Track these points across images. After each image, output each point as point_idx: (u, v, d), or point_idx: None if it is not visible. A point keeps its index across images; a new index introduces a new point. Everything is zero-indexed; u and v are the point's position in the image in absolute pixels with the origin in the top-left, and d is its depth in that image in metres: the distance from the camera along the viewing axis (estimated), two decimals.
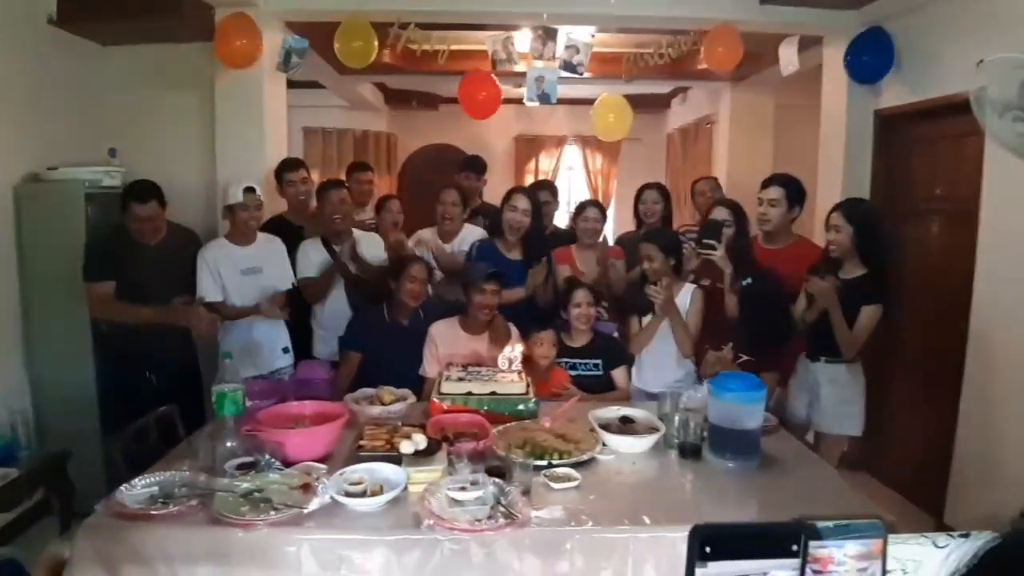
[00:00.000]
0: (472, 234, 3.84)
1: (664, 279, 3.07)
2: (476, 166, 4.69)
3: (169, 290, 3.18)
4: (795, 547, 1.19)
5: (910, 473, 3.81)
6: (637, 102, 4.65)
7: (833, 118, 4.38)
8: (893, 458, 3.86)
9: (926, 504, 3.58)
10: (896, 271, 3.28)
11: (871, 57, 3.96)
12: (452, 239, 3.84)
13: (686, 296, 3.17)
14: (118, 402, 3.29)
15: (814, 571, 1.21)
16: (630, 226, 4.35)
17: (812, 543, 1.20)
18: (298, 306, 3.58)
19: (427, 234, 3.87)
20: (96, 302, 3.19)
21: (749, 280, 3.06)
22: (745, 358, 2.91)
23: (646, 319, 3.20)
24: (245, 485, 1.96)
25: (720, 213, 3.34)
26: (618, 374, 3.21)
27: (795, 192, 3.31)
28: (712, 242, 3.10)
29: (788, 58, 4.20)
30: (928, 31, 3.71)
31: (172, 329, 3.25)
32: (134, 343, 3.23)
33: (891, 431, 3.75)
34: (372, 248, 3.69)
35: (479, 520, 1.81)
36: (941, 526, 3.46)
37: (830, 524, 1.23)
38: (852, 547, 1.22)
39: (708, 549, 1.15)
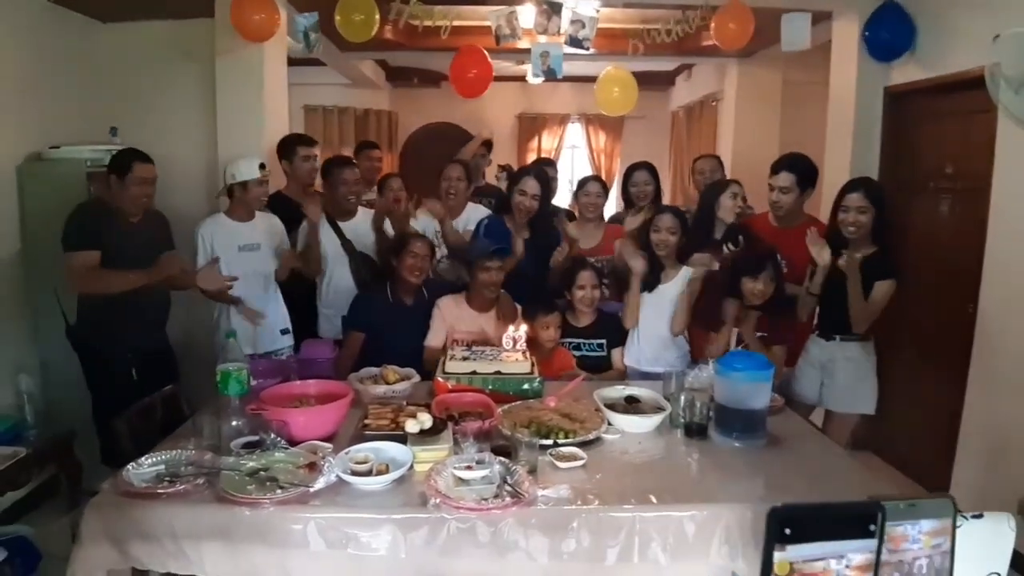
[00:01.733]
0: (476, 213, 3.79)
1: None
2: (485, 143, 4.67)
3: (149, 265, 3.10)
4: (872, 527, 1.18)
5: (915, 453, 3.81)
6: (641, 79, 4.57)
7: (842, 95, 4.32)
8: (898, 438, 3.86)
9: (931, 484, 3.58)
10: (903, 252, 3.24)
11: (891, 34, 3.87)
12: (456, 216, 3.78)
13: (683, 279, 3.16)
14: (100, 389, 3.24)
15: (889, 550, 1.20)
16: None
17: (887, 523, 1.19)
18: (302, 286, 3.56)
19: (435, 204, 3.76)
20: (80, 272, 3.00)
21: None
22: (759, 334, 2.91)
23: (648, 292, 3.20)
24: (251, 464, 1.96)
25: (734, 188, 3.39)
26: (616, 353, 3.23)
27: (806, 175, 3.25)
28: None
29: (792, 33, 4.12)
30: (941, 6, 3.64)
31: (148, 315, 3.22)
32: (111, 333, 3.13)
33: (897, 411, 3.73)
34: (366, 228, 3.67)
35: (485, 499, 1.80)
36: None
37: (901, 504, 1.22)
38: (927, 524, 1.22)
39: (788, 531, 1.13)
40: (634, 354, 3.24)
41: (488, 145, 4.73)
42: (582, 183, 3.81)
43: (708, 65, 6.96)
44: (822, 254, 2.94)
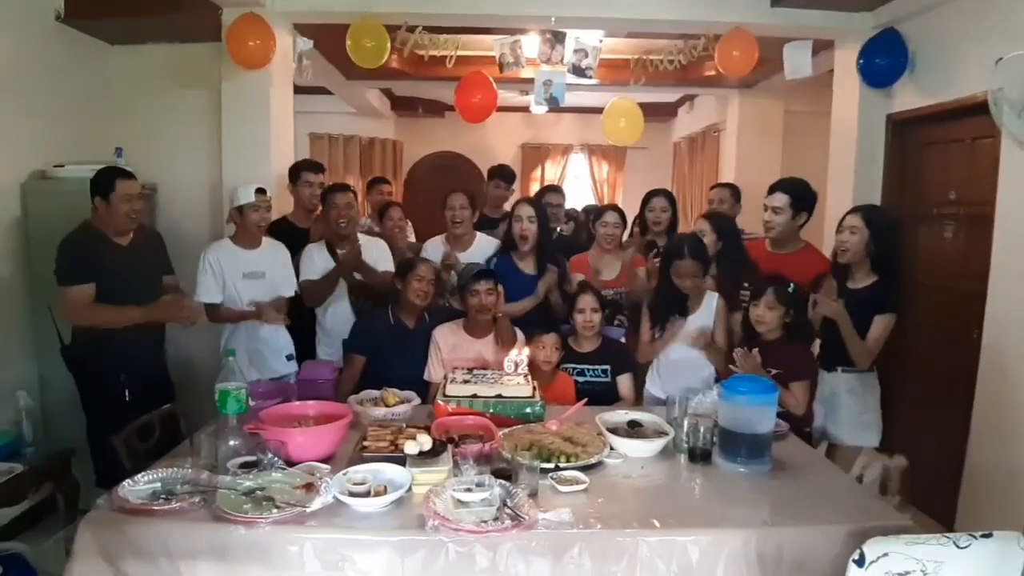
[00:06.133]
0: (485, 243, 3.75)
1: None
2: (506, 174, 4.71)
3: (146, 290, 3.12)
4: None
5: (920, 482, 3.74)
6: (644, 110, 4.61)
7: (844, 123, 4.34)
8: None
9: (936, 514, 3.52)
10: (908, 280, 3.23)
11: (885, 60, 3.89)
12: (466, 247, 3.73)
13: (711, 303, 3.10)
14: (95, 410, 3.21)
15: None
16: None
17: None
18: (302, 311, 3.55)
19: (438, 249, 3.75)
20: (76, 307, 2.99)
21: (792, 286, 2.86)
22: (775, 372, 2.74)
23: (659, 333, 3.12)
24: (247, 483, 1.93)
25: (700, 224, 3.34)
26: (623, 380, 3.17)
27: (801, 198, 3.24)
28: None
29: (794, 62, 4.16)
30: (942, 33, 3.66)
31: (144, 337, 3.19)
32: (107, 355, 3.10)
33: (902, 441, 3.67)
34: (377, 254, 3.64)
35: (485, 521, 1.77)
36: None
37: None
38: None
39: None
40: (659, 385, 3.17)
41: (504, 175, 4.72)
42: (599, 213, 3.77)
43: (710, 96, 7.02)
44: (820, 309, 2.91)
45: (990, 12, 3.32)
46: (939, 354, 3.69)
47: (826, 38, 4.30)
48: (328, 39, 4.22)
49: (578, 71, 4.31)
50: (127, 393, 3.12)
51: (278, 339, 3.42)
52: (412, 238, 4.68)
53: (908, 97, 3.94)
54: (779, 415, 2.42)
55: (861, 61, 3.99)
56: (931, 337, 3.70)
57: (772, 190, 3.30)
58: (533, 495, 1.92)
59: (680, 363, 3.11)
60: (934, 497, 3.56)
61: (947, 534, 1.39)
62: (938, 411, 3.65)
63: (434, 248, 3.75)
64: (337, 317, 3.57)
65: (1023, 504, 2.91)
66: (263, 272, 3.37)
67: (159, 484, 1.99)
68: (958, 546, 1.37)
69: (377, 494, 1.89)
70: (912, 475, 3.75)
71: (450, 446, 2.14)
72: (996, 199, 3.24)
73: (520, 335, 3.17)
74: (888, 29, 3.90)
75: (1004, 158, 3.18)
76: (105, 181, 3.05)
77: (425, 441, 2.09)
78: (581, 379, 3.15)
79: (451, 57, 4.33)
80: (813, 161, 4.71)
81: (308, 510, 1.82)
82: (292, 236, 3.64)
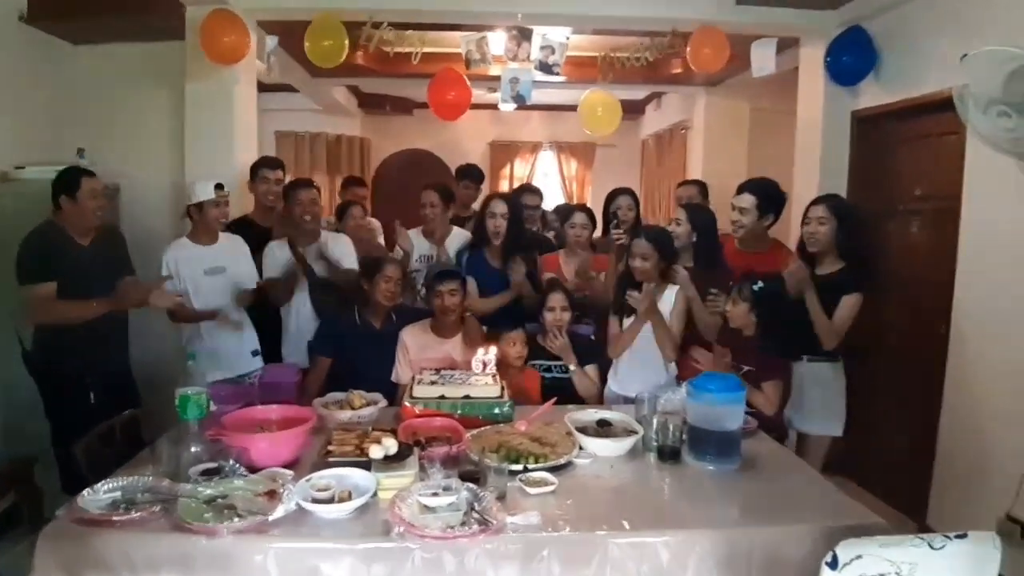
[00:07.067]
0: (460, 237, 3.78)
1: (649, 283, 3.00)
2: (473, 174, 4.68)
3: (108, 289, 3.06)
4: None
5: (890, 476, 3.79)
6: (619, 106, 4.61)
7: (810, 121, 4.37)
8: (872, 461, 3.84)
9: (907, 508, 3.56)
10: (877, 269, 3.26)
11: (852, 58, 3.91)
12: (441, 242, 3.77)
13: (671, 297, 3.09)
14: (59, 416, 3.14)
15: None
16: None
17: None
18: (268, 310, 3.49)
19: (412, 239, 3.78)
20: (38, 305, 2.96)
21: (760, 284, 2.86)
22: (746, 369, 2.73)
23: (628, 321, 3.11)
24: (209, 491, 1.88)
25: (677, 214, 3.34)
26: (589, 369, 3.13)
27: (768, 199, 3.25)
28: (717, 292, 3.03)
29: (761, 60, 4.18)
30: (907, 30, 3.69)
31: (107, 338, 3.16)
32: (70, 358, 3.07)
33: (870, 434, 3.73)
34: (340, 249, 3.59)
35: (452, 527, 1.73)
36: (924, 529, 3.43)
37: None
38: None
39: None
40: (619, 380, 3.16)
41: (472, 175, 4.70)
42: (568, 213, 3.74)
43: (677, 94, 7.05)
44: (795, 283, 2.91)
45: (954, 9, 3.35)
46: (907, 347, 3.73)
47: (791, 35, 4.33)
48: (292, 36, 4.15)
49: (545, 68, 4.29)
50: (92, 396, 3.08)
51: (242, 336, 3.39)
52: (381, 239, 4.64)
53: (873, 94, 3.97)
54: (749, 412, 2.42)
55: (828, 59, 4.01)
56: (899, 330, 3.74)
57: (740, 190, 3.31)
58: (501, 498, 1.89)
59: (640, 360, 3.10)
60: (905, 491, 3.61)
61: (921, 535, 1.39)
62: (906, 405, 3.69)
63: (417, 240, 3.78)
64: (301, 318, 3.51)
65: (995, 496, 2.94)
66: (224, 267, 3.34)
67: (119, 493, 1.93)
68: (933, 547, 1.37)
69: (341, 500, 1.85)
70: (884, 469, 3.81)
71: (416, 449, 2.10)
72: (962, 194, 3.28)
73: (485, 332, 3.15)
74: (854, 27, 3.92)
75: (969, 154, 3.21)
76: (71, 179, 3.05)
77: (391, 445, 2.05)
78: (548, 375, 3.12)
79: (416, 53, 4.27)
80: (779, 158, 4.75)
81: (270, 518, 1.77)
82: (253, 234, 3.59)
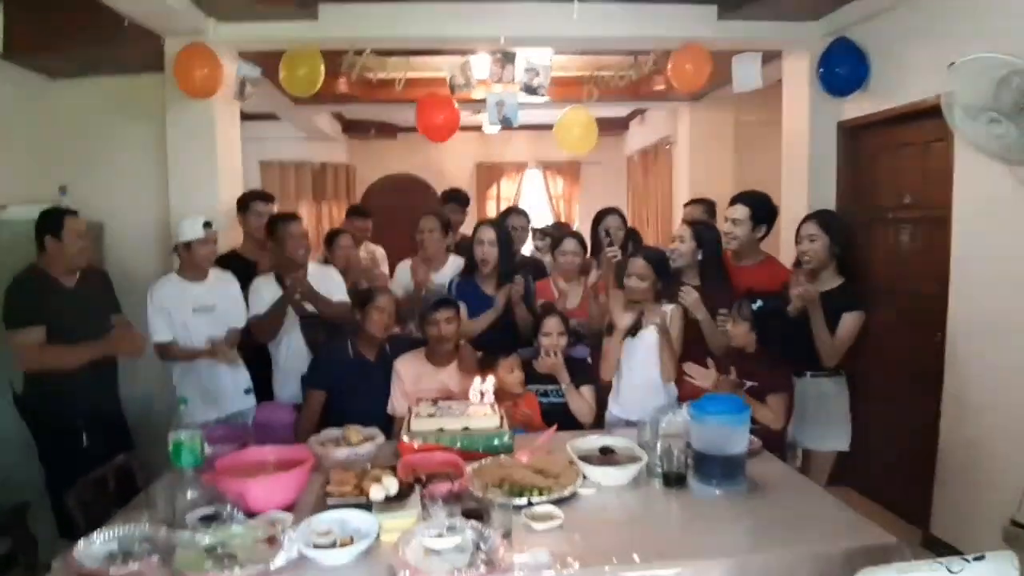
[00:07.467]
0: (457, 266, 3.70)
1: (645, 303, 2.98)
2: (460, 198, 4.66)
3: (95, 330, 3.05)
4: None
5: (892, 485, 3.76)
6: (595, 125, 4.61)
7: (796, 132, 4.38)
8: (875, 471, 3.82)
9: (910, 516, 3.54)
10: (871, 281, 3.25)
11: (845, 69, 3.90)
12: (438, 270, 3.71)
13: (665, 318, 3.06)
14: (53, 459, 3.09)
15: None
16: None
17: None
18: (257, 345, 3.43)
19: (407, 270, 3.72)
20: (27, 350, 2.93)
21: (759, 302, 2.84)
22: (750, 384, 2.72)
23: (630, 337, 3.06)
24: (207, 539, 1.82)
25: (680, 231, 3.31)
26: (584, 390, 3.09)
27: (761, 211, 3.26)
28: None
29: (744, 74, 4.18)
30: (889, 39, 3.70)
31: (98, 379, 3.12)
32: (62, 400, 3.01)
33: (872, 444, 3.70)
34: (328, 282, 3.53)
35: (458, 569, 1.68)
36: (928, 537, 3.42)
37: None
38: None
39: None
40: (619, 404, 3.12)
41: (458, 199, 4.67)
42: (557, 240, 3.69)
43: (660, 109, 7.06)
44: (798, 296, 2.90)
45: (936, 17, 3.37)
46: (904, 356, 3.71)
47: (774, 49, 4.35)
48: (274, 65, 4.12)
49: (530, 90, 4.28)
50: (84, 438, 3.03)
51: (234, 374, 3.32)
52: (385, 267, 4.60)
53: (858, 104, 3.98)
54: (752, 430, 2.39)
55: (821, 70, 4.00)
56: (895, 340, 3.73)
57: (733, 202, 3.32)
58: (507, 536, 1.84)
59: (641, 382, 3.06)
60: (908, 500, 3.58)
61: (939, 560, 1.36)
62: (906, 414, 3.67)
63: (404, 271, 3.72)
64: (292, 352, 3.46)
65: (998, 502, 2.92)
66: (213, 305, 3.29)
67: (115, 544, 1.86)
68: (951, 571, 1.34)
69: (343, 545, 1.80)
70: (886, 478, 3.79)
71: (418, 487, 2.05)
72: (952, 201, 3.28)
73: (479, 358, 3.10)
74: (842, 38, 3.93)
75: (958, 161, 3.22)
76: (54, 220, 3.02)
77: (391, 484, 2.00)
78: (544, 400, 3.08)
79: (400, 80, 4.27)
80: (766, 170, 4.76)
81: (272, 567, 1.72)
82: (243, 269, 3.54)
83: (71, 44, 3.79)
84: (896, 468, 3.75)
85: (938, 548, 3.33)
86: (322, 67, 3.92)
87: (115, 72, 4.25)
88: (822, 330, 2.87)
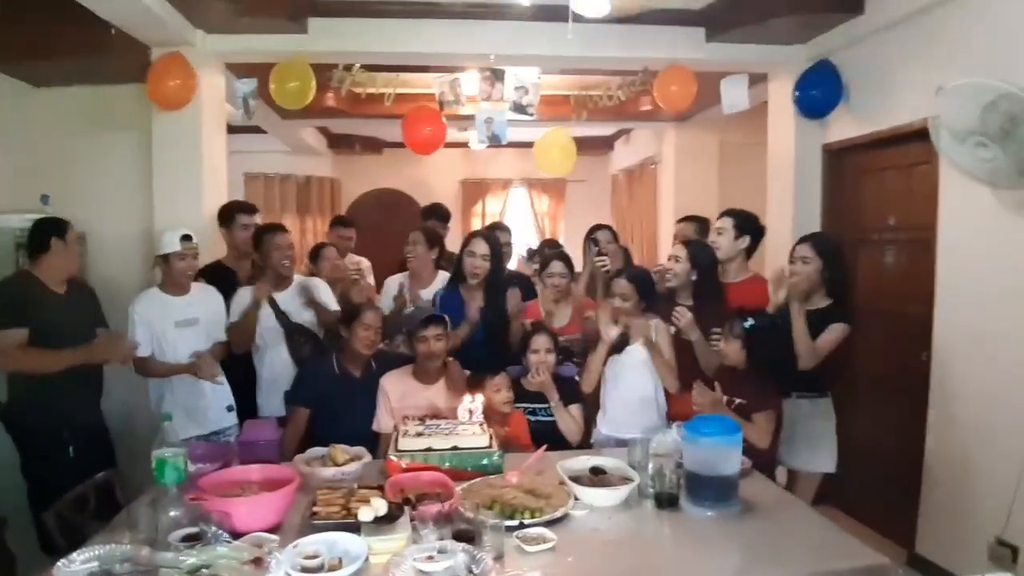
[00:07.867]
0: (444, 282, 3.65)
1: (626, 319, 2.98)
2: (441, 213, 4.63)
3: (82, 339, 2.99)
4: None
5: (878, 504, 3.77)
6: (580, 144, 4.65)
7: (781, 154, 4.42)
8: (859, 490, 3.82)
9: (896, 535, 3.54)
10: (856, 301, 3.28)
11: (820, 92, 3.97)
12: (426, 285, 3.67)
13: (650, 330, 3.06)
14: (36, 471, 3.02)
15: None
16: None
17: None
18: (243, 360, 3.38)
19: (395, 285, 3.69)
20: (9, 351, 2.87)
21: (751, 321, 2.81)
22: (739, 401, 2.72)
23: (617, 354, 3.07)
24: (191, 560, 1.76)
25: (676, 251, 3.30)
26: (572, 408, 3.06)
27: (745, 223, 3.30)
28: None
29: (732, 96, 4.22)
30: (875, 63, 3.75)
31: (82, 390, 3.08)
32: (47, 410, 2.96)
33: (856, 463, 3.71)
34: (320, 294, 3.52)
35: None
36: (913, 556, 3.42)
37: None
38: None
39: None
40: (609, 422, 3.10)
41: (439, 214, 4.66)
42: (545, 262, 3.63)
43: (646, 129, 7.11)
44: (779, 294, 2.95)
45: (922, 42, 3.42)
46: (890, 376, 3.73)
47: (760, 71, 4.39)
48: (262, 78, 4.10)
49: (519, 108, 4.30)
50: (71, 450, 2.99)
51: (216, 390, 3.25)
52: (370, 278, 4.56)
53: (843, 126, 4.03)
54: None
55: (797, 93, 4.06)
56: (881, 360, 3.75)
57: (720, 216, 3.38)
58: (499, 558, 1.81)
59: (628, 400, 3.06)
60: (893, 519, 3.59)
61: None
62: (894, 433, 3.69)
63: (393, 287, 3.69)
64: (276, 366, 3.41)
65: (983, 521, 2.94)
66: (196, 318, 3.23)
67: (96, 564, 1.79)
68: None
69: (331, 569, 1.75)
70: (871, 497, 3.80)
71: (407, 508, 2.02)
72: (937, 224, 3.32)
73: (466, 376, 3.08)
74: (822, 61, 3.99)
75: (943, 184, 3.26)
76: (59, 224, 3.05)
77: (380, 505, 1.96)
78: (533, 418, 3.05)
79: (390, 95, 4.26)
80: (750, 190, 4.78)
81: None
82: (227, 281, 3.50)
83: (58, 53, 3.74)
84: (882, 487, 3.76)
85: (924, 567, 3.34)
86: (313, 80, 3.91)
87: (101, 82, 4.20)
88: (801, 329, 2.86)
